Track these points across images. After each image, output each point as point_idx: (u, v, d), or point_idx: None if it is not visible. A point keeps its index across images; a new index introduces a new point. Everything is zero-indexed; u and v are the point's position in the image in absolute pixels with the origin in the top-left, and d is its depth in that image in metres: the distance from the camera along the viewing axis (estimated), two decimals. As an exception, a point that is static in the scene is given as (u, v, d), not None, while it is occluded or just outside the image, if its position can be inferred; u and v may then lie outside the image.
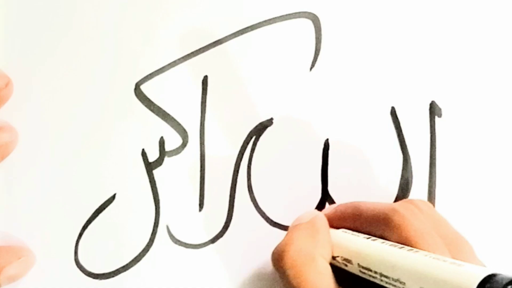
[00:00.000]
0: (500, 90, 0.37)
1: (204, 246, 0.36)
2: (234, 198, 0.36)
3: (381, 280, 0.30)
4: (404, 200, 0.35)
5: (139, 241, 0.37)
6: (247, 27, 0.36)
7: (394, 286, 0.29)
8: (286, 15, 0.36)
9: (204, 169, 0.37)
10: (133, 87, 0.36)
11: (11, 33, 0.36)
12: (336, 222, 0.34)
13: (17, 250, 0.36)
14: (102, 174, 0.37)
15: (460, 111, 0.36)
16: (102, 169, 0.37)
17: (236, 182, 0.36)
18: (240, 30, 0.36)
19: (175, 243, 0.37)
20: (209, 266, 0.36)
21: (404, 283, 0.28)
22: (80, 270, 0.37)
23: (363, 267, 0.31)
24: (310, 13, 0.37)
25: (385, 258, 0.30)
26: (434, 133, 0.37)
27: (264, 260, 0.36)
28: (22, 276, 0.36)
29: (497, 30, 0.37)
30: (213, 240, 0.36)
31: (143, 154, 0.37)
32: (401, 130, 0.37)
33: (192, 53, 0.36)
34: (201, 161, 0.37)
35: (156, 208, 0.37)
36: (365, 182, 0.36)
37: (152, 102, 0.36)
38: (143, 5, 0.36)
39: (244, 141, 0.36)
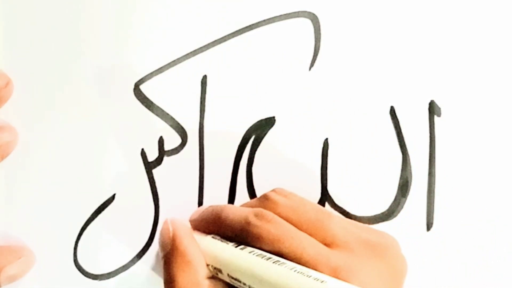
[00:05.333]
0: (500, 89, 0.37)
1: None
2: (233, 197, 0.36)
3: None
4: (259, 198, 0.35)
5: (138, 241, 0.37)
6: (246, 27, 0.36)
7: None
8: (285, 14, 0.36)
9: (203, 168, 0.37)
10: (132, 87, 0.36)
11: (11, 33, 0.36)
12: (203, 228, 0.35)
13: (17, 250, 0.36)
14: (102, 174, 0.37)
15: (460, 111, 0.36)
16: (101, 169, 0.37)
17: (235, 181, 0.36)
18: (239, 30, 0.36)
19: (175, 243, 0.37)
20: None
21: None
22: (79, 270, 0.36)
23: (233, 278, 0.31)
24: (309, 12, 0.37)
25: (252, 270, 0.30)
26: (434, 133, 0.36)
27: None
28: (22, 276, 0.36)
29: (496, 29, 0.37)
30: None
31: (143, 153, 0.37)
32: (400, 130, 0.37)
33: (191, 52, 0.36)
34: (200, 161, 0.37)
35: (155, 208, 0.37)
36: (364, 181, 0.36)
37: (151, 102, 0.36)
38: (142, 5, 0.36)
39: (243, 140, 0.37)
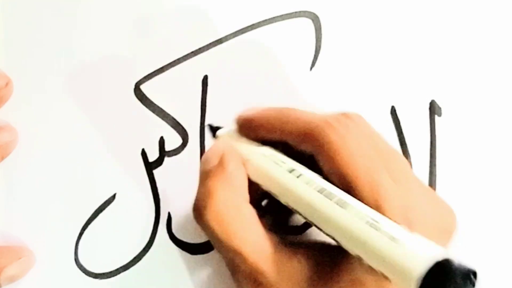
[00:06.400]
0: (500, 89, 0.37)
1: (205, 246, 0.36)
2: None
3: (314, 225, 0.27)
4: (338, 113, 0.31)
5: (139, 240, 0.37)
6: (247, 27, 0.36)
7: (330, 237, 0.26)
8: (286, 14, 0.36)
9: (204, 169, 0.36)
10: (133, 87, 0.36)
11: (11, 33, 0.36)
12: (261, 130, 0.31)
13: (17, 250, 0.36)
14: (102, 174, 0.37)
15: (460, 110, 0.36)
16: (102, 169, 0.37)
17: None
18: (240, 30, 0.36)
19: (175, 243, 0.37)
20: (210, 266, 0.36)
21: (339, 242, 0.26)
22: (80, 269, 0.37)
23: (293, 208, 0.28)
24: (310, 12, 0.37)
25: (316, 209, 0.27)
26: (434, 132, 0.37)
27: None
28: (22, 276, 0.36)
29: (496, 29, 0.37)
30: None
31: (143, 154, 0.37)
32: (401, 129, 0.37)
33: (192, 52, 0.36)
34: (201, 161, 0.37)
35: (156, 208, 0.37)
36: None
37: (152, 102, 0.36)
38: (143, 5, 0.36)
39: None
